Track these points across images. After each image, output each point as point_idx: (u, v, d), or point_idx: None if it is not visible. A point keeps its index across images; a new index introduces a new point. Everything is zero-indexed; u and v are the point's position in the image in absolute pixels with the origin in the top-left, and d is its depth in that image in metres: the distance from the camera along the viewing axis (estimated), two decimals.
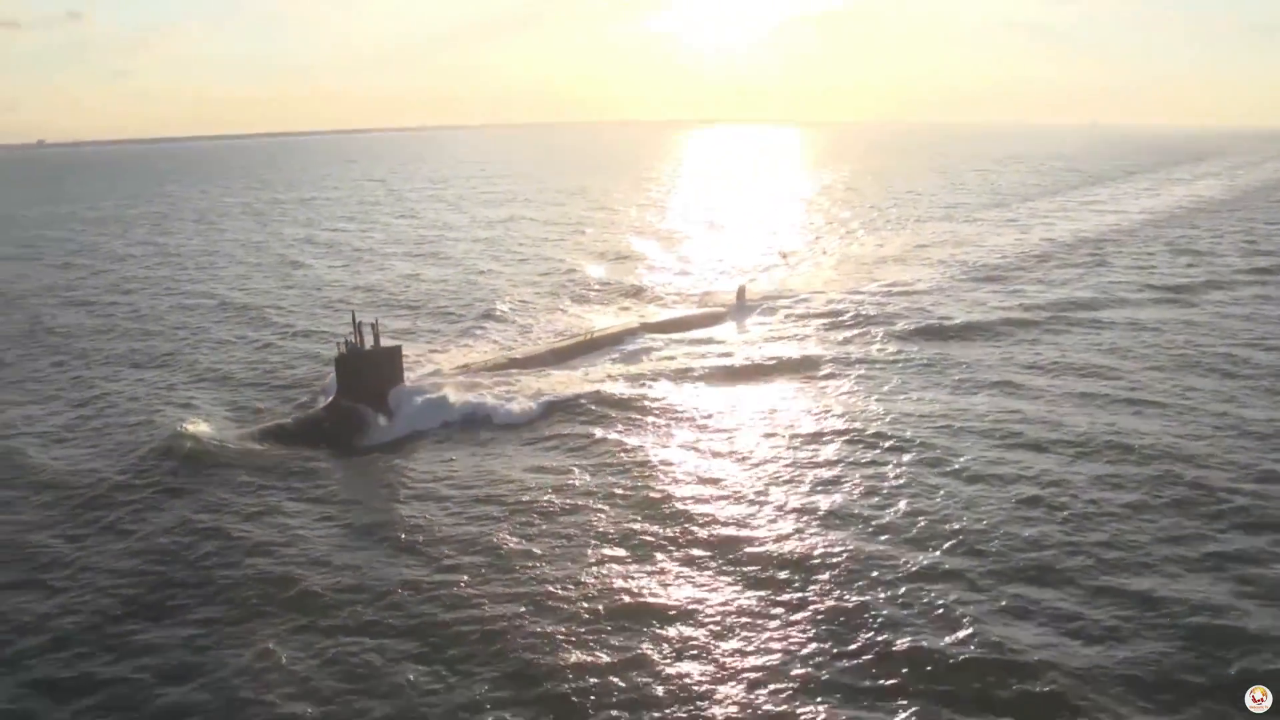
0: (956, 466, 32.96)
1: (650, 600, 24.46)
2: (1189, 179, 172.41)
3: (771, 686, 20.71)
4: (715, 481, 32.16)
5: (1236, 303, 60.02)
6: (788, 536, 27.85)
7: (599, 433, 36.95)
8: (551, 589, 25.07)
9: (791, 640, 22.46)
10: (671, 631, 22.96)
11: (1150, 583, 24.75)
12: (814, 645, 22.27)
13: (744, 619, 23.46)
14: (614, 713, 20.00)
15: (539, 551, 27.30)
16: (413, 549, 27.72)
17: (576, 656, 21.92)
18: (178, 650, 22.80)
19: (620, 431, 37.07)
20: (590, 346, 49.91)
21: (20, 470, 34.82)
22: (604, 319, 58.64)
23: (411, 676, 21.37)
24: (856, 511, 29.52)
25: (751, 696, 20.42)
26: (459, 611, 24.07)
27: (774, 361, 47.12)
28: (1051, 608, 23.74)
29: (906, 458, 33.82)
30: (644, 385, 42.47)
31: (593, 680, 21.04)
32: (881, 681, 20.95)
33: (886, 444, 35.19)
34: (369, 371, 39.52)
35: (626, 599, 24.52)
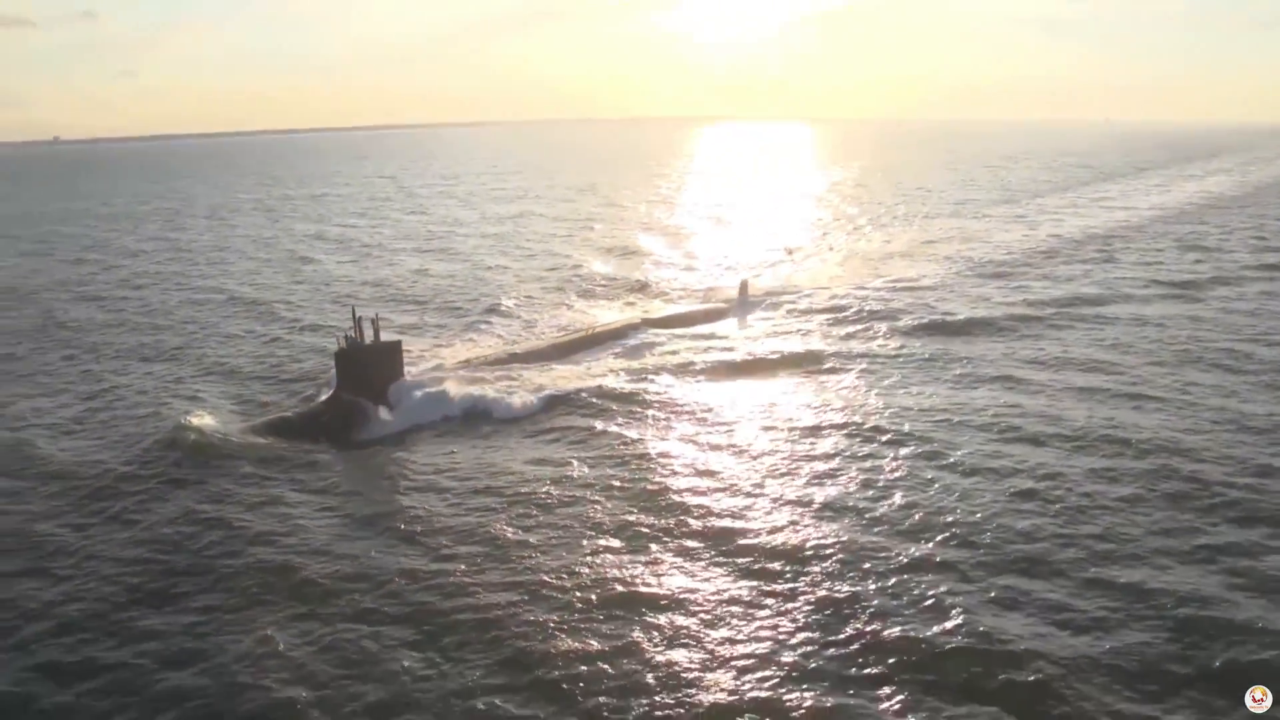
0: (953, 460, 33.12)
1: (643, 589, 24.76)
2: (1201, 175, 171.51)
3: (759, 673, 20.99)
4: (712, 474, 32.44)
5: (1242, 298, 59.87)
6: (782, 528, 28.10)
7: (598, 426, 37.25)
8: (546, 578, 25.40)
9: (781, 629, 22.73)
10: (663, 620, 23.25)
11: (1140, 575, 24.91)
12: (803, 634, 22.53)
13: (735, 608, 23.74)
14: (604, 699, 20.30)
15: (535, 542, 27.64)
16: (411, 539, 28.11)
17: (568, 644, 22.24)
18: (179, 636, 23.23)
19: (620, 425, 37.36)
20: (592, 342, 50.23)
21: (29, 461, 35.37)
22: (608, 314, 58.97)
23: (406, 663, 21.74)
24: (851, 504, 29.75)
25: (739, 683, 20.70)
26: (455, 600, 24.44)
27: (774, 356, 47.33)
28: (1041, 599, 23.94)
29: (904, 451, 34.01)
30: (644, 380, 42.76)
31: (584, 667, 21.35)
32: (869, 670, 21.20)
33: (884, 438, 35.38)
34: (369, 366, 39.92)
35: (620, 588, 24.82)
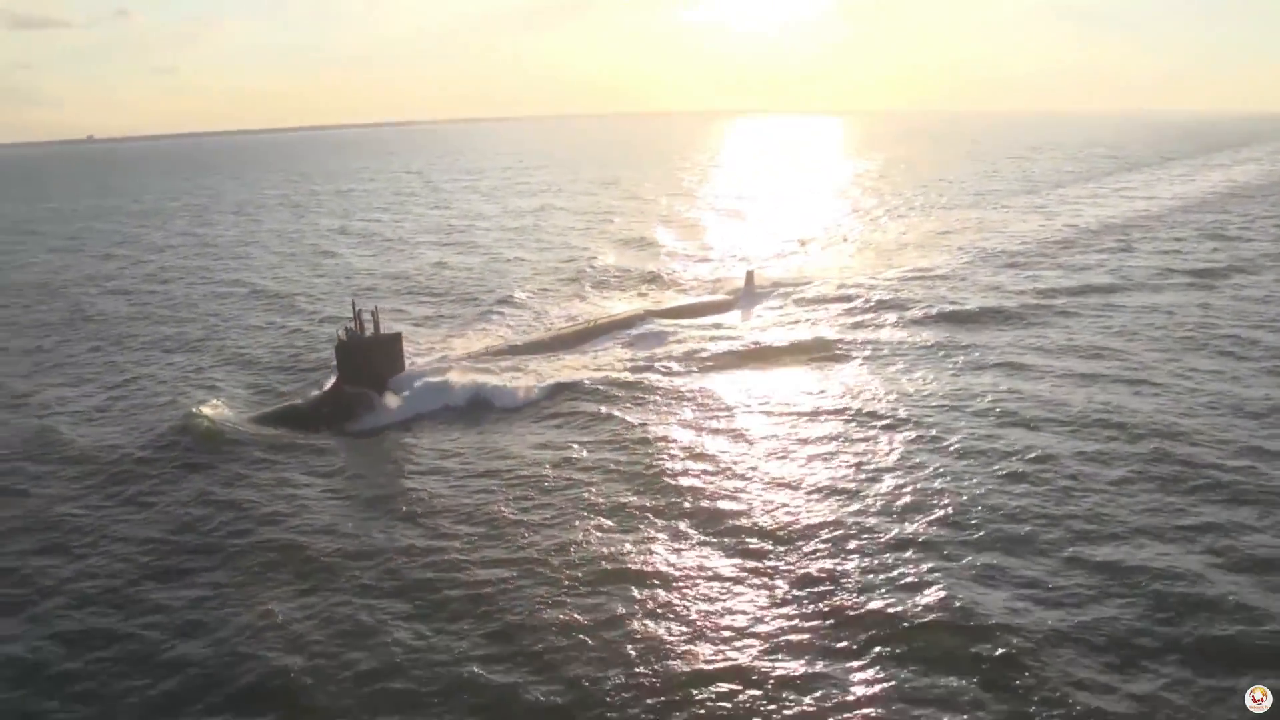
0: (948, 444, 33.56)
1: (631, 567, 25.49)
2: (1228, 164, 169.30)
3: (737, 644, 21.68)
4: (709, 458, 33.11)
5: (1256, 286, 59.60)
6: (773, 509, 28.73)
7: (600, 411, 38.03)
8: (539, 556, 26.22)
9: (760, 603, 23.41)
10: (647, 594, 23.98)
11: (1120, 553, 25.31)
12: (783, 608, 23.18)
13: (718, 584, 24.44)
14: (585, 669, 21.07)
15: (531, 522, 28.48)
16: (411, 519, 29.05)
17: (555, 617, 23.04)
18: (185, 610, 24.30)
19: (620, 411, 38.08)
20: (597, 332, 50.97)
21: (52, 447, 36.74)
22: (617, 305, 59.72)
23: (398, 634, 22.63)
24: (842, 486, 30.31)
25: (716, 653, 21.40)
26: (449, 575, 25.35)
27: (777, 345, 47.87)
28: (1018, 575, 24.41)
29: (899, 436, 34.50)
30: (646, 368, 43.49)
31: (568, 639, 22.12)
32: (845, 643, 21.77)
33: (882, 422, 35.90)
34: (368, 358, 40.73)
35: (609, 565, 25.57)
